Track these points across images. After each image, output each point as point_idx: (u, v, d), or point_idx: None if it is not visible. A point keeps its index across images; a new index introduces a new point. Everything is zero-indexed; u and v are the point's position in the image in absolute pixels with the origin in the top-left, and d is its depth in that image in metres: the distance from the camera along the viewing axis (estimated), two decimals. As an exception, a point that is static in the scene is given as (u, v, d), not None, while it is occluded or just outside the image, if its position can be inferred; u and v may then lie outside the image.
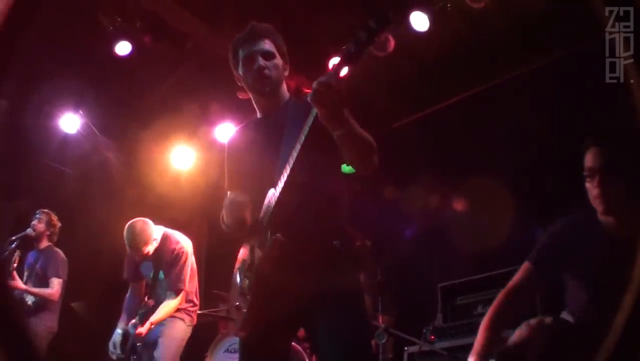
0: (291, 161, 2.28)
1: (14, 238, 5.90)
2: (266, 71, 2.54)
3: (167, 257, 4.72)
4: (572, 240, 2.57)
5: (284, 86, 2.68)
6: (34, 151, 7.13)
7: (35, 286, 5.77)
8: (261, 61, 2.55)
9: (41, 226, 6.01)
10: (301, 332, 3.62)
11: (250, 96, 2.69)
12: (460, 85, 5.84)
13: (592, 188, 2.46)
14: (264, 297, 2.37)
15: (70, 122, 6.89)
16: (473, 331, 4.23)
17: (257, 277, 2.38)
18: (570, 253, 2.54)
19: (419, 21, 5.33)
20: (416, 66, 5.78)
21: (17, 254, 5.73)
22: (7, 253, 5.86)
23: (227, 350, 5.37)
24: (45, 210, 6.11)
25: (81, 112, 6.87)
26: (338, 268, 2.35)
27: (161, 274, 4.73)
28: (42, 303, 5.77)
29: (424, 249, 5.53)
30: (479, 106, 5.66)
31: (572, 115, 4.80)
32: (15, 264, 5.68)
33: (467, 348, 4.12)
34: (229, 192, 2.58)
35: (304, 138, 2.23)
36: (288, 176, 2.29)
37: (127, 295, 4.89)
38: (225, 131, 6.76)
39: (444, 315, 4.72)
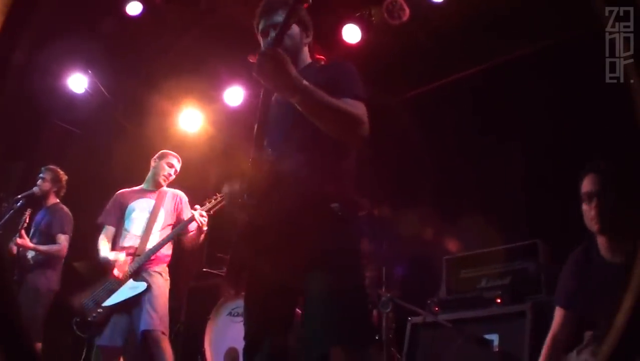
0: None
1: (19, 196, 5.92)
2: (274, 43, 2.44)
3: (177, 200, 4.84)
4: (582, 271, 2.95)
5: (304, 52, 2.65)
6: (42, 110, 7.11)
7: (39, 243, 5.76)
8: (270, 38, 2.54)
9: (47, 185, 6.00)
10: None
11: None
12: (475, 58, 5.75)
13: (588, 210, 2.85)
14: (256, 262, 2.34)
15: (78, 82, 6.86)
16: (477, 305, 4.27)
17: (246, 242, 2.37)
18: (586, 283, 2.90)
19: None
20: (431, 35, 5.69)
21: (27, 213, 5.72)
22: (13, 211, 5.88)
23: (229, 313, 5.38)
24: (51, 166, 6.08)
25: (90, 72, 6.83)
26: (334, 231, 2.28)
27: (162, 213, 4.73)
28: (43, 260, 5.76)
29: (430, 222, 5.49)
30: (494, 80, 5.56)
31: (589, 91, 4.72)
32: (25, 224, 5.69)
33: (471, 321, 4.18)
34: None
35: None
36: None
37: (100, 240, 4.74)
38: (235, 94, 6.73)
39: (447, 288, 4.71)
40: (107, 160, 6.95)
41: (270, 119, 2.45)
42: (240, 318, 5.33)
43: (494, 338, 3.98)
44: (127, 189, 4.97)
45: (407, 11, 5.40)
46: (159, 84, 6.58)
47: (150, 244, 4.56)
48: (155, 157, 5.00)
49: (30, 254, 5.75)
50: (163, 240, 4.56)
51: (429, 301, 4.43)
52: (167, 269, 4.70)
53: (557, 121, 5.02)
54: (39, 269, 5.75)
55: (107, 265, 4.50)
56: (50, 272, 5.82)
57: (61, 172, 6.12)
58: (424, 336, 4.32)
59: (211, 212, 4.61)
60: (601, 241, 2.88)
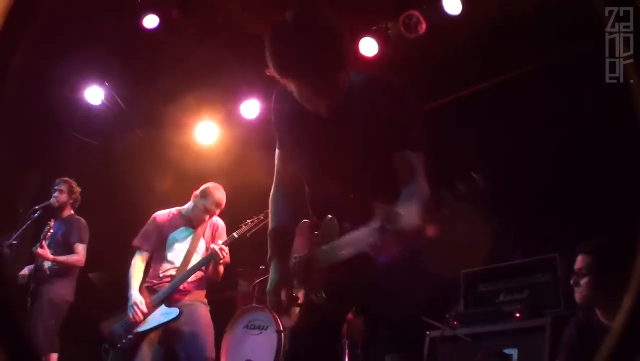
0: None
1: (36, 207, 5.94)
2: None
3: (221, 232, 4.77)
4: (584, 331, 3.13)
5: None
6: (59, 122, 7.16)
7: (56, 254, 5.76)
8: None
9: (63, 197, 6.04)
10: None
11: None
12: (490, 71, 5.74)
13: (575, 284, 3.14)
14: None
15: (94, 95, 6.90)
16: (496, 319, 4.23)
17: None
18: (589, 343, 3.06)
19: (452, 4, 5.27)
20: (448, 48, 5.70)
21: (51, 223, 5.73)
22: (30, 222, 5.90)
23: (246, 326, 5.37)
24: (65, 179, 6.12)
25: (107, 84, 6.87)
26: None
27: (201, 244, 4.68)
28: (59, 271, 5.78)
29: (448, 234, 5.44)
30: (511, 92, 5.54)
31: (606, 105, 4.69)
32: (49, 234, 5.70)
33: (489, 336, 4.15)
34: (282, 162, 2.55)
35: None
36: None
37: (135, 264, 4.64)
38: (251, 107, 6.74)
39: (465, 302, 4.69)
40: (122, 172, 6.98)
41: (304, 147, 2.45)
42: (258, 331, 5.32)
43: (513, 352, 3.95)
44: (165, 213, 4.83)
45: (424, 25, 5.41)
46: (175, 97, 6.59)
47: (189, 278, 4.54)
48: (198, 192, 4.78)
49: (46, 265, 5.77)
50: (183, 275, 4.48)
51: (447, 316, 4.41)
52: (204, 294, 4.66)
53: (577, 132, 4.98)
54: (54, 280, 5.77)
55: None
56: (66, 283, 5.84)
57: (75, 185, 6.16)
58: (443, 351, 4.29)
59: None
60: (597, 310, 3.11)
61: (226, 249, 4.53)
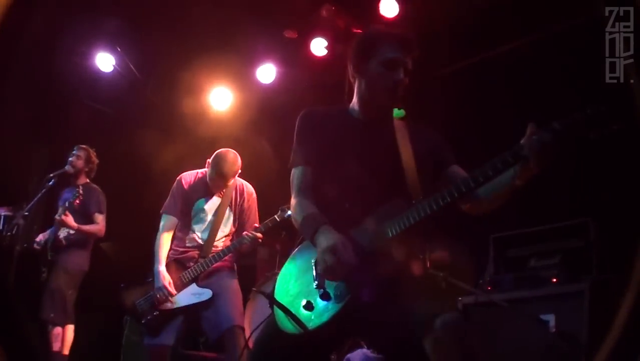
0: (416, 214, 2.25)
1: (52, 175, 5.85)
2: (401, 88, 2.47)
3: (247, 198, 4.64)
4: None
5: None
6: (71, 90, 7.04)
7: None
8: (402, 75, 2.46)
9: (80, 163, 5.93)
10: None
11: (361, 94, 2.58)
12: (520, 30, 5.54)
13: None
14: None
15: (106, 61, 6.76)
16: (530, 284, 4.11)
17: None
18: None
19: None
20: (471, 8, 5.51)
21: (79, 191, 5.60)
22: (44, 190, 5.80)
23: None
24: (84, 146, 6.02)
25: (118, 49, 6.72)
26: None
27: (228, 213, 4.57)
28: (76, 241, 5.73)
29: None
30: (544, 51, 5.35)
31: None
32: (78, 202, 5.58)
33: (524, 301, 4.03)
34: (303, 170, 2.53)
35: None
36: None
37: (163, 232, 4.55)
38: (267, 71, 6.60)
39: (495, 267, 4.57)
40: (135, 139, 6.86)
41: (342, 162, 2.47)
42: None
43: (550, 318, 3.83)
44: (191, 176, 4.68)
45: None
46: (189, 62, 6.46)
47: (215, 246, 4.45)
48: (210, 159, 4.59)
49: (62, 234, 5.68)
50: (222, 252, 4.36)
51: (480, 281, 4.29)
52: (234, 265, 4.60)
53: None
54: (71, 249, 5.72)
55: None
56: (82, 252, 5.81)
57: (93, 154, 6.05)
58: (475, 317, 4.17)
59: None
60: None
61: (260, 235, 4.39)
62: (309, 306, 2.26)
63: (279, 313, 2.32)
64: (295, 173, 2.53)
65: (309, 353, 2.33)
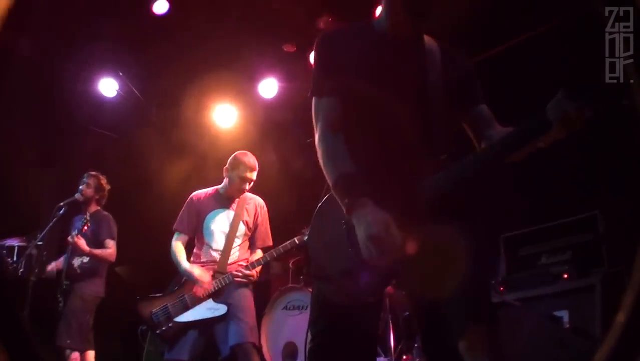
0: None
1: (62, 203, 5.84)
2: None
3: (259, 212, 4.65)
4: None
5: None
6: (75, 116, 7.09)
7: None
8: None
9: (89, 191, 5.91)
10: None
11: (391, 7, 2.25)
12: (515, 32, 5.52)
13: None
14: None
15: (109, 86, 6.82)
16: (542, 282, 4.12)
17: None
18: None
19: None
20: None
21: (86, 218, 5.64)
22: (55, 219, 5.82)
23: (285, 308, 5.31)
24: (94, 173, 5.97)
25: (121, 74, 6.78)
26: None
27: (241, 226, 4.56)
28: (90, 268, 5.73)
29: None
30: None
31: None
32: (86, 228, 5.61)
33: (537, 299, 4.04)
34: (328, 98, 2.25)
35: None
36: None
37: (176, 245, 4.56)
38: (269, 86, 6.64)
39: (507, 266, 4.58)
40: (141, 163, 6.91)
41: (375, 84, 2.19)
42: (297, 312, 5.25)
43: (564, 314, 3.84)
44: (202, 193, 4.70)
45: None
46: (191, 81, 6.50)
47: (230, 259, 4.45)
48: (227, 165, 4.60)
49: (77, 263, 5.71)
50: (229, 277, 4.36)
51: (493, 281, 4.30)
52: None
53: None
54: (86, 277, 5.72)
55: (187, 279, 4.41)
56: (97, 279, 5.80)
57: (104, 180, 6.03)
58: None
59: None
60: None
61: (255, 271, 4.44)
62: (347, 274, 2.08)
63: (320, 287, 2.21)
64: (320, 105, 2.25)
65: (360, 313, 2.12)
